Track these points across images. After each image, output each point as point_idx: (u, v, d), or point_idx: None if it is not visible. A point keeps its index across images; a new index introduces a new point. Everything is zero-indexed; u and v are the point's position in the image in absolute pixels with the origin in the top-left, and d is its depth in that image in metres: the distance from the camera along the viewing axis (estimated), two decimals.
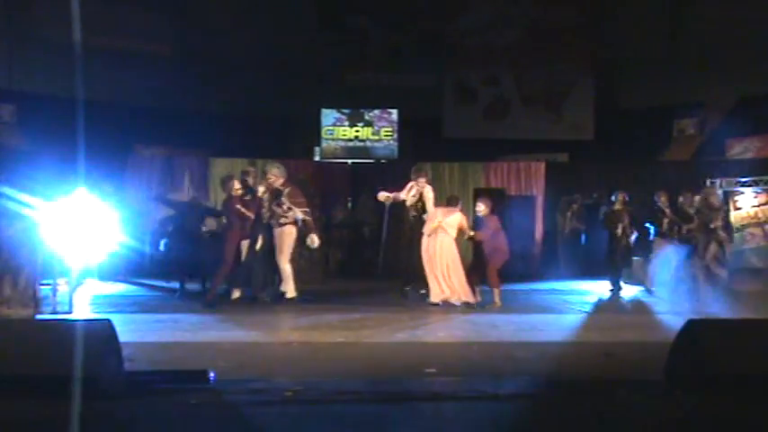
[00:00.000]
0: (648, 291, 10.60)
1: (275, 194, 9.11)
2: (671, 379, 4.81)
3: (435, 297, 9.21)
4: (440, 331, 7.60)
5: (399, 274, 9.89)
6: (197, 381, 4.79)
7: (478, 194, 11.47)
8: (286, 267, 9.08)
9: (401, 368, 5.69)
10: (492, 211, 9.57)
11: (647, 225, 10.86)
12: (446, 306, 9.11)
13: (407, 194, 9.67)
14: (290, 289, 9.10)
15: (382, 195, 9.85)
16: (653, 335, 7.17)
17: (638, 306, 9.87)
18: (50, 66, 13.11)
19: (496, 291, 9.25)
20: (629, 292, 10.89)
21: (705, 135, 15.11)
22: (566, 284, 11.67)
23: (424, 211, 9.60)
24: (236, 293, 9.21)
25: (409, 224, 9.68)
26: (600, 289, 11.00)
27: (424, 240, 9.35)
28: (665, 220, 10.53)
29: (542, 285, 11.60)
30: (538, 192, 14.01)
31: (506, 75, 16.63)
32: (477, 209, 9.62)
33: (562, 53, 16.11)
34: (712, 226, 10.11)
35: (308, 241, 9.31)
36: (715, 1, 14.46)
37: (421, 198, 9.63)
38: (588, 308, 9.49)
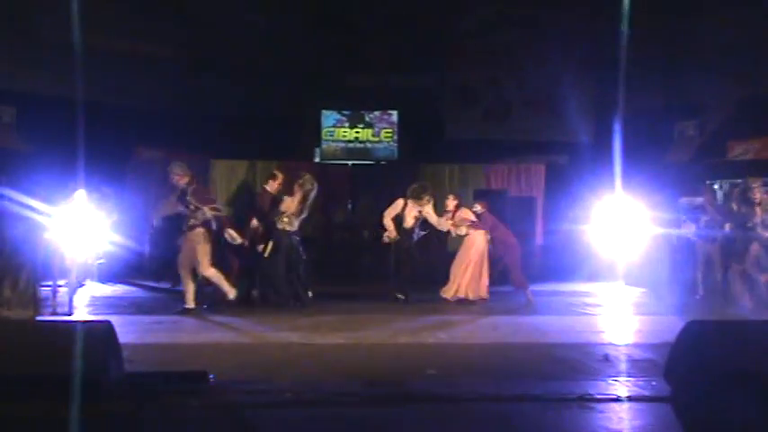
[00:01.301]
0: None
1: (180, 194, 8.58)
2: (670, 381, 4.80)
3: (448, 293, 9.66)
4: (440, 332, 7.60)
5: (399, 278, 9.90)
6: (197, 382, 4.80)
7: (489, 196, 11.65)
8: (210, 272, 8.50)
9: (401, 370, 5.68)
10: (488, 211, 10.02)
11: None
12: (455, 304, 9.42)
13: (409, 217, 9.73)
14: (227, 290, 8.61)
15: (392, 234, 9.75)
16: (655, 336, 7.15)
17: (642, 308, 9.87)
18: (51, 67, 13.10)
19: (526, 290, 9.79)
20: (632, 293, 10.90)
21: (705, 137, 15.10)
22: (566, 286, 11.65)
23: (427, 226, 9.84)
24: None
25: (408, 235, 9.76)
26: (601, 290, 11.01)
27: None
28: (704, 219, 10.06)
29: (543, 287, 11.58)
30: (538, 194, 14.03)
31: (507, 76, 16.63)
32: (474, 209, 9.97)
33: (563, 55, 16.10)
34: (750, 224, 9.07)
35: (228, 238, 8.76)
36: (715, 3, 14.46)
37: (421, 214, 9.75)
38: (589, 309, 9.50)
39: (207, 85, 14.77)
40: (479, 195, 11.81)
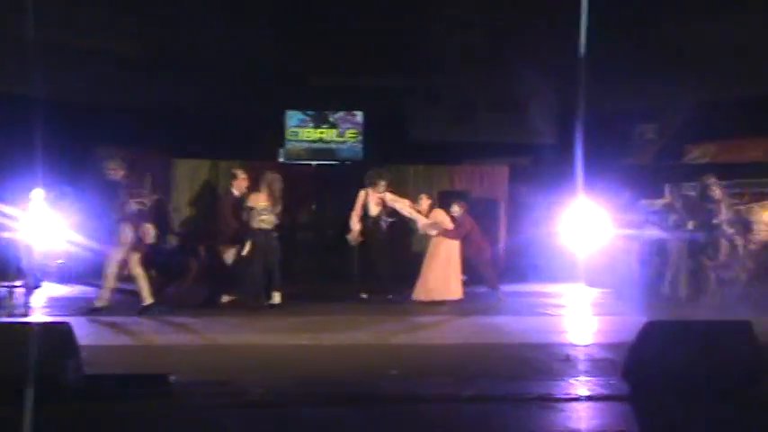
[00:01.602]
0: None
1: (117, 188, 8.46)
2: (629, 380, 4.88)
3: (419, 294, 9.64)
4: (403, 333, 7.61)
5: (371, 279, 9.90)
6: (157, 384, 4.74)
7: (453, 197, 11.64)
8: (136, 271, 8.26)
9: (364, 370, 5.69)
10: (467, 212, 10.11)
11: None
12: (420, 305, 9.43)
13: (372, 204, 9.73)
14: (145, 295, 8.34)
15: (354, 236, 9.80)
16: (615, 337, 7.26)
17: (603, 308, 10.00)
18: (7, 64, 12.83)
19: (496, 289, 9.92)
20: (594, 294, 11.05)
21: (664, 140, 15.38)
22: (529, 287, 11.77)
23: (394, 214, 9.78)
24: (226, 297, 9.06)
25: (380, 231, 9.77)
26: (563, 291, 11.13)
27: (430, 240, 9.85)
28: (673, 218, 10.17)
29: (506, 288, 11.67)
30: (501, 195, 14.16)
31: (471, 78, 16.73)
32: (453, 211, 9.99)
33: (527, 58, 16.25)
34: (716, 221, 9.23)
35: (141, 234, 8.45)
36: (675, 8, 14.73)
37: (385, 205, 9.75)
38: (551, 310, 9.60)
39: (169, 84, 14.58)
40: (448, 197, 11.83)
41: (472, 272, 10.23)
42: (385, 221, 9.93)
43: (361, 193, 9.89)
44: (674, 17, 14.64)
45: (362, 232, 9.81)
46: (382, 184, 9.89)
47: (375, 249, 9.77)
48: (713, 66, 13.95)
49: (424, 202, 10.08)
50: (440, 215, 9.93)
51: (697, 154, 14.45)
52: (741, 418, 4.44)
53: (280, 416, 4.40)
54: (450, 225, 9.89)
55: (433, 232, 9.88)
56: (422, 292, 9.69)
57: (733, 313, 8.29)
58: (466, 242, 9.98)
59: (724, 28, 13.90)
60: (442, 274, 9.71)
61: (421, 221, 9.93)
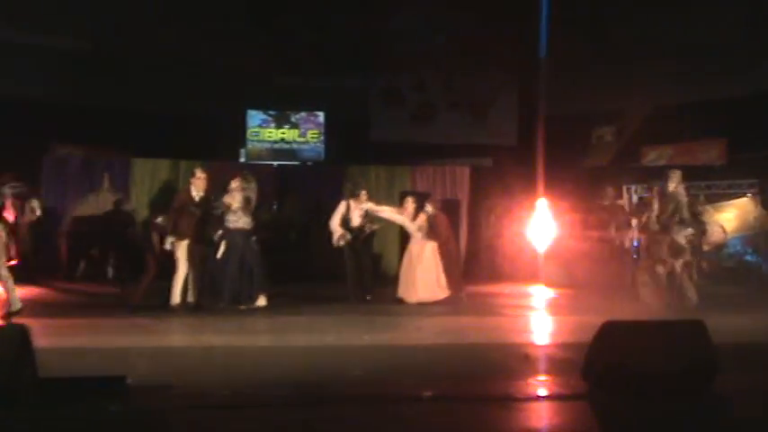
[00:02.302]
0: None
1: None
2: (588, 379, 4.95)
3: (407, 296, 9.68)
4: (367, 334, 7.61)
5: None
6: (114, 386, 4.66)
7: (422, 197, 11.65)
8: (3, 273, 7.92)
9: (327, 371, 5.67)
10: (440, 210, 10.18)
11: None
12: (385, 304, 9.48)
13: (355, 217, 9.83)
14: (13, 301, 7.97)
15: (339, 235, 9.80)
16: (574, 336, 7.35)
17: (562, 308, 10.11)
18: None
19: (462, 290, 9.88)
20: (553, 294, 11.18)
21: (622, 142, 15.65)
22: (490, 288, 11.85)
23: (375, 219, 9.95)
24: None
25: (359, 235, 9.84)
26: (523, 291, 11.25)
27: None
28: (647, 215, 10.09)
29: (467, 288, 11.74)
30: (463, 196, 14.24)
31: (434, 80, 16.81)
32: (426, 211, 9.96)
33: (488, 60, 16.39)
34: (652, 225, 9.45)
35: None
36: (632, 12, 14.99)
37: (368, 214, 9.81)
38: (512, 310, 9.68)
39: (129, 82, 14.38)
40: (424, 198, 11.80)
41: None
42: (369, 228, 9.98)
43: (342, 205, 9.89)
44: (631, 22, 14.94)
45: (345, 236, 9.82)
46: (364, 194, 9.94)
47: (355, 254, 9.81)
48: (670, 69, 14.24)
49: (410, 205, 10.12)
50: (423, 220, 9.94)
51: (653, 156, 14.72)
52: (696, 415, 4.53)
53: (238, 418, 4.37)
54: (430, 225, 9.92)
55: (419, 233, 9.89)
56: (411, 293, 9.68)
57: (689, 313, 8.48)
58: (442, 242, 10.00)
59: (678, 32, 14.21)
60: (431, 275, 9.73)
61: (408, 223, 9.99)
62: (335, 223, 9.79)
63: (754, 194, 12.70)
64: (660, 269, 9.24)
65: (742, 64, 13.88)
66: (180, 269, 8.65)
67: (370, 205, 9.96)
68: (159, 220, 8.91)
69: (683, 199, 9.38)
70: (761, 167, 12.79)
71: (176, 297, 8.66)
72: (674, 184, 9.37)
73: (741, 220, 12.49)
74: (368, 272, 10.07)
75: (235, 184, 8.96)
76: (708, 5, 14.31)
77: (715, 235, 9.93)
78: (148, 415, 4.36)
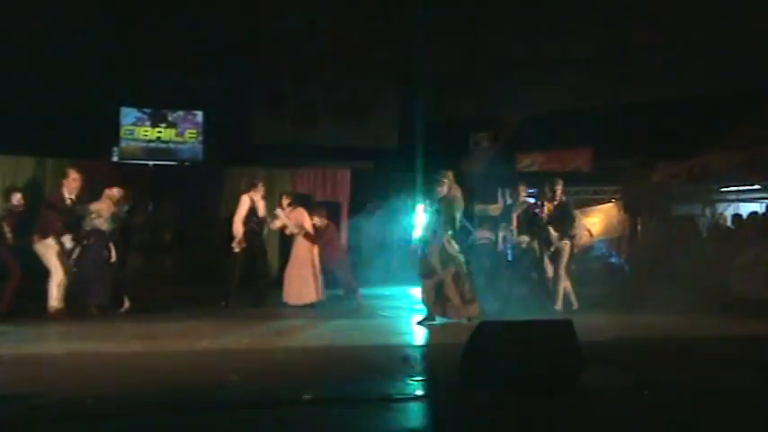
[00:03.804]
0: None
1: None
2: (465, 379, 5.06)
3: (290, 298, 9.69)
4: (244, 337, 7.47)
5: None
6: None
7: (302, 200, 11.60)
8: None
9: (202, 376, 5.51)
10: (328, 219, 10.44)
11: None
12: (267, 308, 9.42)
13: (261, 208, 9.75)
14: None
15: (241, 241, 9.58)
16: (453, 338, 7.49)
17: None
18: None
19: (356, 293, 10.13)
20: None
21: (498, 148, 16.19)
22: (369, 290, 11.92)
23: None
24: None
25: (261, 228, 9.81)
26: (403, 294, 11.39)
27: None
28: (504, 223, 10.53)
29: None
30: (343, 199, 14.28)
31: (315, 82, 16.78)
32: (314, 221, 10.08)
33: (369, 64, 16.54)
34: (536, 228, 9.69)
35: None
36: (511, 20, 15.55)
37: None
38: (392, 313, 9.79)
39: None
40: (304, 200, 11.76)
41: (327, 276, 10.31)
42: (269, 221, 9.94)
43: (245, 199, 9.64)
44: (510, 28, 15.48)
45: (245, 237, 9.56)
46: (261, 186, 9.85)
47: (258, 253, 9.73)
48: (541, 78, 14.87)
49: (285, 202, 10.12)
50: (300, 216, 9.93)
51: (527, 162, 15.32)
52: (563, 412, 4.72)
53: (104, 428, 4.17)
54: (309, 225, 9.95)
55: (296, 230, 9.91)
56: (292, 295, 9.72)
57: (559, 313, 8.86)
58: (328, 247, 10.12)
59: (554, 43, 14.87)
60: (303, 275, 9.75)
61: (292, 227, 9.97)
62: (239, 225, 9.55)
63: (617, 200, 13.46)
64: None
65: (608, 77, 14.70)
66: (54, 273, 8.37)
67: (260, 200, 9.82)
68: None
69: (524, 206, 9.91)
70: (624, 174, 13.57)
71: (54, 301, 8.34)
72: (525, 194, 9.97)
73: (606, 224, 13.20)
74: (263, 276, 9.95)
75: (110, 192, 8.77)
76: (579, 22, 15.05)
77: (584, 238, 10.48)
78: (7, 427, 4.09)
